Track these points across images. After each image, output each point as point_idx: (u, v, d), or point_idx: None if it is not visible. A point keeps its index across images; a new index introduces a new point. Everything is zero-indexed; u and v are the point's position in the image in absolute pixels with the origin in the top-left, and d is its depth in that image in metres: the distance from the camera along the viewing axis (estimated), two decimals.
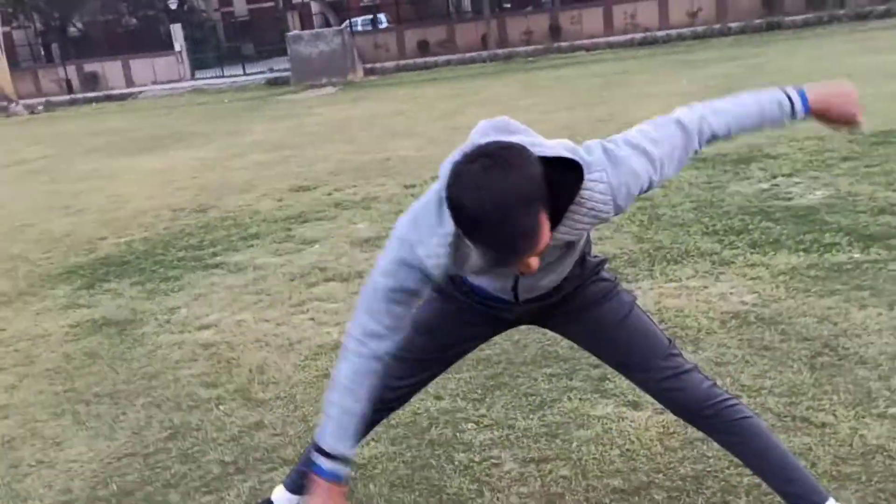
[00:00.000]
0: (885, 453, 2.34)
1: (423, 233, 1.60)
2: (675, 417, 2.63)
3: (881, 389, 2.69)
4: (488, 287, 1.87)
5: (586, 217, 1.63)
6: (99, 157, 11.47)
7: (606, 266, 1.97)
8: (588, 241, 1.91)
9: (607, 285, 1.91)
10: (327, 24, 29.30)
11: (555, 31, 27.66)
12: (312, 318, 4.00)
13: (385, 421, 2.85)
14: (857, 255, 3.93)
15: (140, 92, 28.22)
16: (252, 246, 5.55)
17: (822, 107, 1.77)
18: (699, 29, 24.99)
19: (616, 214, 1.67)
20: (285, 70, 26.70)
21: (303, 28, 30.12)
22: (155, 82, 30.61)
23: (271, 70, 29.23)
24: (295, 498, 2.29)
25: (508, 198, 1.40)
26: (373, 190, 6.93)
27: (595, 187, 1.60)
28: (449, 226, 1.55)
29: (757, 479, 2.23)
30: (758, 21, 24.49)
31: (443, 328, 2.02)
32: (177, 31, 32.02)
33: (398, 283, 1.64)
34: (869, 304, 3.36)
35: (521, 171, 1.43)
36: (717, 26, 24.87)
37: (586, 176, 1.58)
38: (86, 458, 2.86)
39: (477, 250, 1.52)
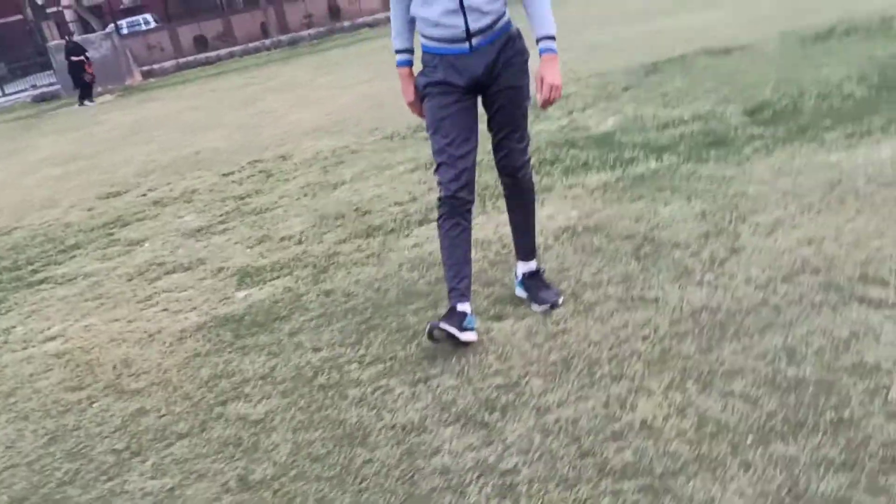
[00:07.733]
0: (708, 310, 2.77)
1: None
2: (534, 320, 2.96)
3: (695, 263, 3.15)
4: (442, 20, 2.67)
5: None
6: None
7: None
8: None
9: (525, 79, 2.82)
10: (88, 31, 27.40)
11: (334, 12, 27.75)
12: (165, 309, 3.94)
13: (270, 378, 2.96)
14: (653, 165, 4.46)
15: None
16: (74, 257, 5.29)
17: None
18: None
19: None
20: (52, 84, 24.83)
21: (62, 37, 27.99)
22: None
23: (34, 87, 27.08)
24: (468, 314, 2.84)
25: None
26: (190, 184, 6.77)
27: None
28: None
29: (616, 351, 2.58)
30: None
31: (445, 114, 2.77)
32: None
33: None
34: (671, 201, 3.86)
35: None
36: None
37: None
38: None
39: None
